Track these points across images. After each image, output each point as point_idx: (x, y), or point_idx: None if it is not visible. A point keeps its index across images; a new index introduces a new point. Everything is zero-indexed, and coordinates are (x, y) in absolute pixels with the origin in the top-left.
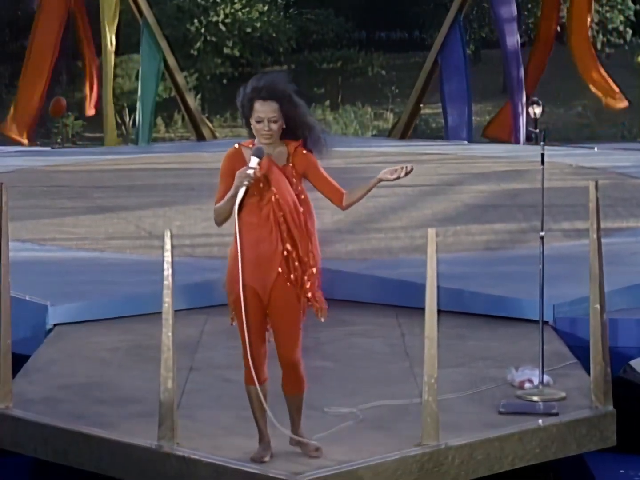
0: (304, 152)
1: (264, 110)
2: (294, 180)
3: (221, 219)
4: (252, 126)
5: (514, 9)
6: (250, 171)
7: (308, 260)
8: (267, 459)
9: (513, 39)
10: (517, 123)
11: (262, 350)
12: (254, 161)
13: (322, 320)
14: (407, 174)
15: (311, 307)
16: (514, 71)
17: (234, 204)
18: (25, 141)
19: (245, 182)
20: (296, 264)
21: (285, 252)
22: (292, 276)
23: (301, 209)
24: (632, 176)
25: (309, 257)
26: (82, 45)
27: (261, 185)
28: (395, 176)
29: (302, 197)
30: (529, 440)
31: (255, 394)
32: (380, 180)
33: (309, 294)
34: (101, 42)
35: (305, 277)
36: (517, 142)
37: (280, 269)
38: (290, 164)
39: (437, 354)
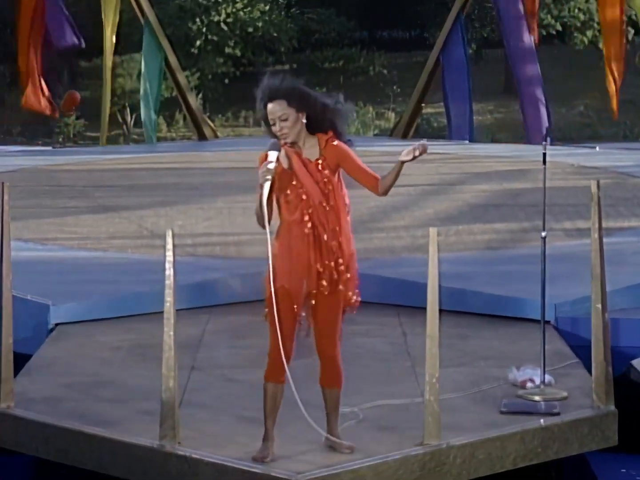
0: (335, 143)
1: (273, 110)
2: (326, 173)
3: (262, 220)
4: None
5: (521, 7)
6: (271, 165)
7: (338, 256)
8: (268, 458)
9: (524, 37)
10: (533, 122)
11: (289, 349)
12: (272, 155)
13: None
14: (421, 153)
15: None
16: (525, 69)
17: (263, 202)
18: (48, 111)
19: (268, 177)
20: (328, 261)
21: (320, 250)
22: (329, 273)
23: (327, 206)
24: (633, 176)
25: (339, 253)
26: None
27: (294, 183)
28: (411, 156)
29: (331, 189)
30: (531, 439)
31: (271, 391)
32: (402, 162)
33: (341, 287)
34: (102, 42)
35: (336, 274)
36: (529, 142)
37: (319, 266)
38: (322, 158)
39: (438, 353)
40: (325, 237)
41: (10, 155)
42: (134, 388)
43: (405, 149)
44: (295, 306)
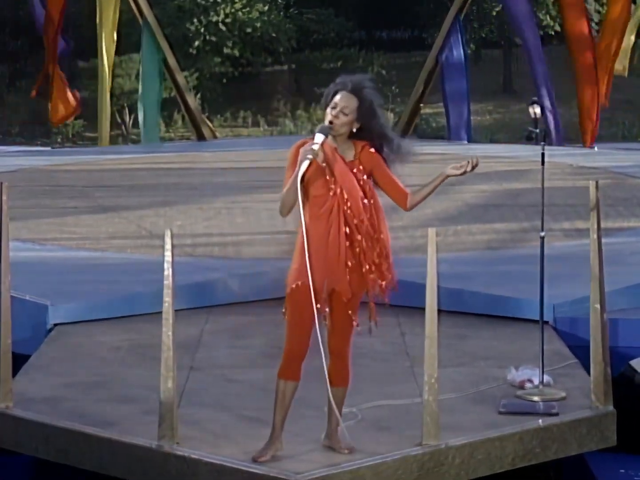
0: (371, 150)
1: (342, 99)
2: (361, 174)
3: (286, 206)
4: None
5: (529, 7)
6: (315, 146)
7: (379, 250)
8: (265, 458)
9: (535, 35)
10: (553, 121)
11: (304, 347)
12: (319, 137)
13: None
14: (473, 168)
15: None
16: (540, 67)
17: (297, 180)
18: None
19: (309, 156)
20: (364, 255)
21: (350, 245)
22: (363, 268)
23: (367, 202)
24: (632, 176)
25: (380, 247)
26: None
27: (327, 177)
28: (461, 171)
29: (368, 189)
30: (530, 440)
31: (281, 389)
32: (447, 176)
33: (384, 282)
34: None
35: (381, 265)
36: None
37: (349, 263)
38: (357, 161)
39: (437, 353)
40: (356, 234)
41: (9, 156)
42: (133, 388)
43: (453, 163)
44: (315, 304)
